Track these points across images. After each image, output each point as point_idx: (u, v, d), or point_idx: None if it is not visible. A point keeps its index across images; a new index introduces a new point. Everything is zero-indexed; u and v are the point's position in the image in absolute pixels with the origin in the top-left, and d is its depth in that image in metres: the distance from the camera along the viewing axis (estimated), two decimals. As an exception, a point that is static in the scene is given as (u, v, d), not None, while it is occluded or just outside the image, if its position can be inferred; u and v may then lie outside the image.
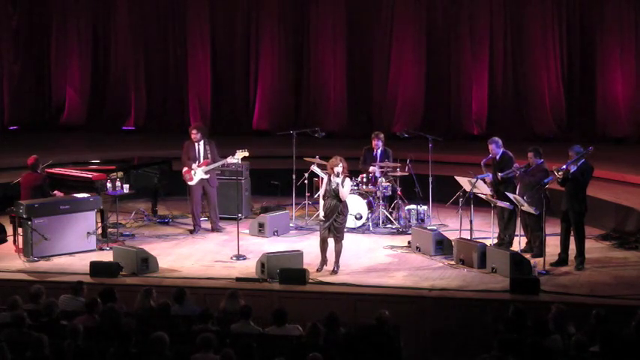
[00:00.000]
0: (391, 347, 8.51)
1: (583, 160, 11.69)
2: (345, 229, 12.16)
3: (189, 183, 13.72)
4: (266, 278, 11.27)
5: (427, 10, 18.80)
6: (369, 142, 14.23)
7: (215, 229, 13.80)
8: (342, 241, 11.74)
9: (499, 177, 12.29)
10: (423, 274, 11.66)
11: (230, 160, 13.56)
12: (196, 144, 13.70)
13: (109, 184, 13.10)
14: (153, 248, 12.45)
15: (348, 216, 12.20)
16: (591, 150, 11.76)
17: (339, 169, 11.60)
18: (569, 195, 11.73)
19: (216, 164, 13.71)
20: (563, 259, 11.88)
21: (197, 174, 13.63)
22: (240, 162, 13.75)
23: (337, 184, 11.60)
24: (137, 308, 9.47)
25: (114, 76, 19.98)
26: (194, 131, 13.75)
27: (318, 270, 11.63)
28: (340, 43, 19.24)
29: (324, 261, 11.74)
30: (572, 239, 11.86)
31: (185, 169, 13.72)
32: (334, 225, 11.63)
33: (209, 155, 13.66)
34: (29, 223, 12.13)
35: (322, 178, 12.13)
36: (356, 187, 13.84)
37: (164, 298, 9.52)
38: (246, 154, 13.59)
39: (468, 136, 18.41)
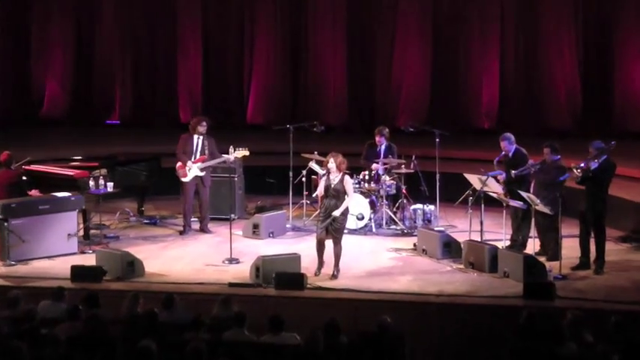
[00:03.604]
0: (394, 356, 8.49)
1: (604, 156, 11.65)
2: (346, 231, 12.18)
3: (183, 179, 13.68)
4: (261, 283, 11.23)
5: (433, -5, 19.14)
6: (372, 137, 14.19)
7: (203, 229, 13.79)
8: (342, 243, 11.67)
9: (513, 175, 12.24)
10: (429, 279, 11.63)
11: (231, 158, 13.46)
12: (195, 138, 13.65)
13: (91, 183, 13.04)
14: (139, 251, 12.42)
15: (349, 216, 12.17)
16: (614, 145, 11.72)
17: (331, 165, 11.64)
18: (589, 194, 11.68)
19: (214, 161, 13.66)
20: (583, 263, 11.86)
21: (192, 170, 13.59)
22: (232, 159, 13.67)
23: (336, 182, 11.61)
24: (122, 315, 9.41)
25: (98, 67, 20.08)
26: (204, 123, 13.67)
27: (316, 274, 11.62)
28: (340, 30, 19.30)
29: (321, 264, 11.73)
30: (592, 241, 11.83)
31: (179, 163, 13.71)
32: (333, 226, 11.60)
33: (206, 151, 13.63)
34: (5, 224, 12.06)
35: (320, 176, 12.09)
36: (358, 186, 13.80)
37: (151, 305, 9.43)
38: (247, 152, 13.53)
39: (477, 131, 18.43)
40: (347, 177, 11.76)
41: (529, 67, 18.62)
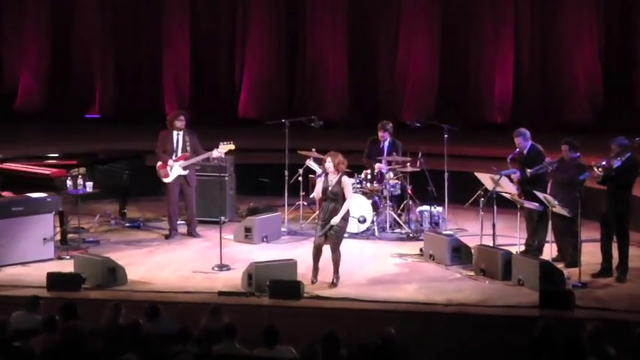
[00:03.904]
0: (399, 371, 8.65)
1: (628, 153, 11.62)
2: (346, 235, 12.23)
3: (165, 180, 13.70)
4: (254, 292, 11.25)
5: (441, -20, 19.21)
6: (375, 132, 14.22)
7: (191, 233, 13.82)
8: (340, 249, 11.68)
9: (528, 174, 12.27)
10: (437, 287, 11.64)
11: (215, 153, 13.47)
12: (175, 134, 13.67)
13: (69, 182, 13.02)
14: (121, 257, 12.45)
15: (350, 219, 12.13)
16: (638, 142, 11.73)
17: (328, 165, 11.66)
18: (611, 195, 11.70)
19: (197, 158, 13.67)
20: (605, 270, 11.85)
21: (174, 170, 13.58)
22: (223, 156, 13.69)
23: (333, 183, 11.61)
24: (103, 327, 9.32)
25: (76, 56, 20.07)
26: (181, 117, 13.71)
27: (313, 282, 11.63)
28: (341, 17, 19.32)
29: (316, 270, 11.74)
30: (614, 246, 11.83)
31: (159, 163, 13.71)
32: (332, 230, 11.59)
33: (188, 148, 13.63)
34: (-25, 227, 12.40)
35: (317, 176, 12.15)
36: (359, 186, 13.82)
37: (135, 315, 9.37)
38: (232, 146, 13.51)
39: (489, 126, 18.48)
40: (345, 178, 11.74)
41: (546, 56, 18.65)
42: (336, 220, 11.55)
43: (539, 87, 18.72)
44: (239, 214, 14.81)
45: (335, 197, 11.63)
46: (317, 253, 11.72)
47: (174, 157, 13.63)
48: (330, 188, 11.62)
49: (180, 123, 13.66)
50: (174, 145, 13.66)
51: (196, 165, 13.91)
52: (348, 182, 11.75)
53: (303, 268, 11.81)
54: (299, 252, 12.80)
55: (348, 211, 11.76)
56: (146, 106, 19.78)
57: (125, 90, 20.08)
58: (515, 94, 18.67)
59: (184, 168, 13.62)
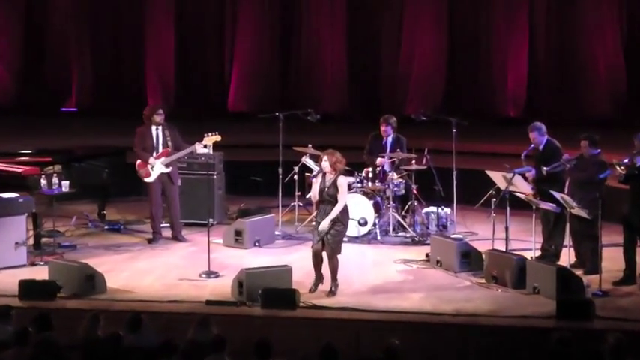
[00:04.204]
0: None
1: (653, 150, 11.91)
2: (346, 239, 12.26)
3: (146, 180, 13.71)
4: (245, 301, 11.24)
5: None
6: (377, 127, 14.25)
7: (177, 237, 13.84)
8: (338, 255, 11.65)
9: (544, 172, 12.27)
10: (444, 296, 11.64)
11: (199, 148, 13.45)
12: (154, 129, 13.68)
13: (43, 181, 12.97)
14: (100, 262, 12.44)
15: (350, 222, 12.10)
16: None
17: (324, 165, 11.67)
18: (634, 195, 11.70)
19: (179, 154, 13.66)
20: (628, 277, 11.84)
21: (155, 168, 13.60)
22: (211, 152, 13.71)
23: (331, 184, 11.62)
24: (80, 339, 9.24)
25: (51, 44, 20.10)
26: (160, 110, 13.75)
27: (312, 290, 11.59)
28: (340, 1, 19.31)
29: (318, 279, 11.70)
30: (639, 250, 11.88)
31: (139, 162, 13.73)
32: (329, 235, 11.56)
33: (169, 143, 13.65)
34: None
35: (313, 176, 12.11)
36: (360, 185, 13.86)
37: (115, 327, 9.30)
38: (218, 138, 13.52)
39: (502, 120, 18.58)
40: (341, 179, 11.71)
41: (563, 43, 18.72)
42: (324, 224, 11.53)
43: (556, 77, 18.75)
44: (229, 216, 14.83)
45: (332, 199, 11.63)
46: (316, 260, 11.71)
47: (154, 155, 13.64)
48: (326, 189, 11.63)
49: (159, 117, 13.68)
50: (154, 142, 13.67)
51: (181, 162, 13.99)
52: (342, 183, 11.71)
53: (299, 274, 11.81)
54: (294, 257, 12.79)
55: (347, 215, 11.75)
56: (127, 99, 19.67)
57: (104, 81, 20.10)
58: (529, 86, 18.71)
59: (167, 165, 13.62)
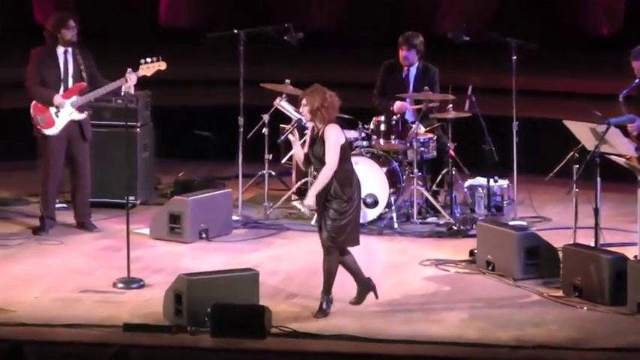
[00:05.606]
0: None
1: None
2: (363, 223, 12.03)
3: (47, 132, 13.31)
4: (186, 325, 10.90)
5: None
6: (393, 53, 14.27)
7: (83, 224, 13.67)
8: (336, 255, 11.38)
9: (656, 121, 11.30)
10: (499, 317, 11.34)
11: (130, 79, 13.25)
12: (61, 52, 13.31)
13: None
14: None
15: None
16: None
17: (303, 110, 11.31)
18: None
19: (100, 90, 13.23)
20: None
21: (63, 112, 13.30)
22: (132, 91, 13.32)
23: (318, 139, 11.31)
24: None
25: None
26: (70, 22, 13.36)
27: (317, 315, 11.38)
28: None
29: (360, 284, 11.72)
30: None
31: (35, 103, 13.29)
32: (327, 219, 11.37)
33: (84, 74, 13.32)
34: None
35: (288, 129, 11.77)
36: (366, 144, 13.86)
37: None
38: (162, 65, 13.32)
39: (589, 42, 19.48)
40: (329, 130, 11.22)
41: None
42: (308, 200, 11.40)
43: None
44: (160, 193, 15.16)
45: (321, 164, 11.25)
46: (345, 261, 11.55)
47: (61, 92, 13.32)
48: (312, 151, 11.23)
49: (70, 33, 13.31)
50: (62, 71, 13.39)
51: (93, 104, 13.50)
52: (331, 135, 11.20)
53: (271, 283, 11.77)
54: (263, 256, 12.90)
55: (350, 182, 11.37)
56: (5, 10, 19.64)
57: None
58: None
59: (80, 109, 13.25)
